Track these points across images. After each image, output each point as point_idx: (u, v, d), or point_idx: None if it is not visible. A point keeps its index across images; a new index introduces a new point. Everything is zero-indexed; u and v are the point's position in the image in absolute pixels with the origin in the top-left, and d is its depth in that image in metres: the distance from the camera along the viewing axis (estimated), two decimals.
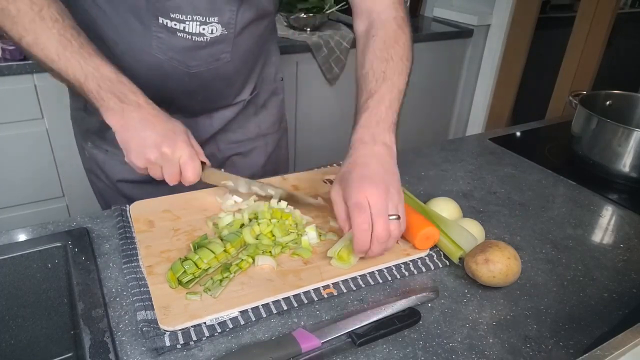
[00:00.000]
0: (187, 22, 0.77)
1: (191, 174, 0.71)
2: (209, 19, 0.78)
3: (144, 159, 0.70)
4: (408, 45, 0.82)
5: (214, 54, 0.83)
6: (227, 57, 0.84)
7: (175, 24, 0.77)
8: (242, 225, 0.74)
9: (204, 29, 0.78)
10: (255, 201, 0.80)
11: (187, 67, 0.82)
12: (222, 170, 0.78)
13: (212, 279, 0.63)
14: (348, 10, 2.21)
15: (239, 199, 0.81)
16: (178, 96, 0.85)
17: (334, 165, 0.97)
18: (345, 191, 0.66)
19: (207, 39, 0.80)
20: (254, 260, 0.67)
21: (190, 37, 0.78)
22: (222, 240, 0.68)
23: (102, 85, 0.68)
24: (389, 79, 0.76)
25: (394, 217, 0.65)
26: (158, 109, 0.72)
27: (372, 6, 0.83)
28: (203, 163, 0.74)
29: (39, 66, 0.72)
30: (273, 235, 0.72)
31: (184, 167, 0.71)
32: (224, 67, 0.85)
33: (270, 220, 0.73)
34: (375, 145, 0.72)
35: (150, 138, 0.69)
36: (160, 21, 0.76)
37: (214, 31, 0.79)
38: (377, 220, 0.64)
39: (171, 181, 0.72)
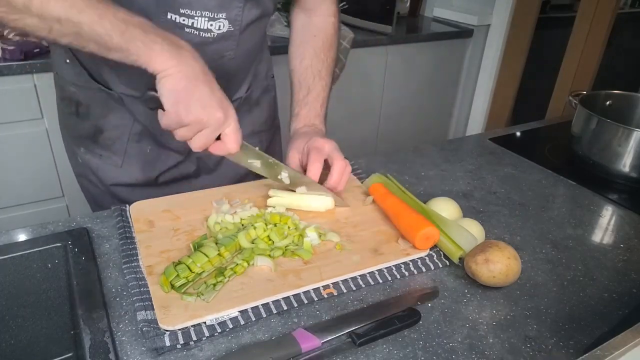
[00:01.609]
0: (196, 18, 0.77)
1: (235, 144, 0.70)
2: (217, 15, 0.78)
3: (193, 116, 0.65)
4: (337, 49, 0.98)
5: (219, 51, 0.83)
6: (231, 55, 0.85)
7: (183, 20, 0.76)
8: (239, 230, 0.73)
9: (211, 24, 0.78)
10: (251, 207, 0.79)
11: None
12: (258, 148, 0.77)
13: (205, 283, 0.63)
14: (347, 11, 2.21)
15: (235, 202, 0.81)
16: None
17: None
18: (306, 144, 0.82)
19: (214, 35, 0.80)
20: (249, 264, 0.67)
21: (198, 32, 0.78)
22: (216, 244, 0.68)
23: (146, 30, 0.62)
24: (323, 79, 0.92)
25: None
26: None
27: (315, 8, 0.95)
28: None
29: (52, 37, 0.61)
30: (270, 240, 0.72)
31: (229, 136, 0.69)
32: (227, 65, 0.86)
33: (266, 225, 0.73)
34: (316, 128, 0.89)
35: (208, 97, 0.65)
36: (169, 17, 0.76)
37: (221, 27, 0.79)
38: (335, 154, 0.80)
39: (200, 147, 0.68)
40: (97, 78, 0.85)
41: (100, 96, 0.86)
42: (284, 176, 0.80)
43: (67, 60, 0.86)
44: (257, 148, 0.77)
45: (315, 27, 0.95)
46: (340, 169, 0.80)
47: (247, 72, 0.96)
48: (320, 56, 0.93)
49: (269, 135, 1.09)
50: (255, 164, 0.78)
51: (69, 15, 0.59)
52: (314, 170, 0.80)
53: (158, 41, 0.63)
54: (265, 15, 0.87)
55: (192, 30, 0.78)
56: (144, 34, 0.62)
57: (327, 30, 0.95)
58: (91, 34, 0.60)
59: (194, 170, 0.97)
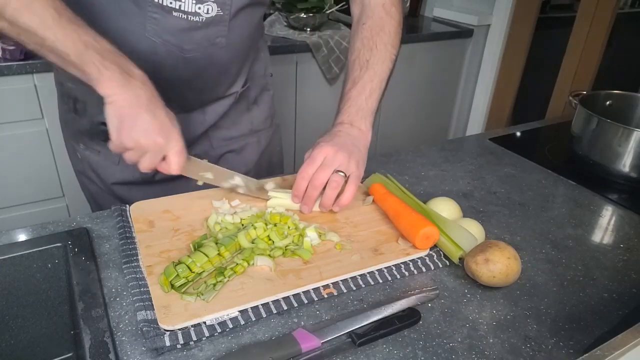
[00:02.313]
0: (184, 1, 0.76)
1: (176, 166, 0.71)
2: None
3: (134, 141, 0.68)
4: (394, 31, 0.88)
5: (209, 37, 0.82)
6: (222, 42, 0.84)
7: (171, 3, 0.76)
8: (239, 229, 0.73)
9: (199, 7, 0.78)
10: (251, 207, 0.79)
11: (182, 50, 0.81)
12: (206, 160, 0.77)
13: (205, 283, 0.63)
14: (348, 10, 2.22)
15: (235, 203, 0.81)
16: (172, 86, 0.84)
17: None
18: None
19: (202, 19, 0.79)
20: (249, 264, 0.67)
21: (185, 16, 0.78)
22: (216, 243, 0.68)
23: (105, 56, 0.66)
24: (371, 68, 0.84)
25: (341, 173, 0.75)
26: (154, 89, 0.71)
27: None
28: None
29: (19, 40, 0.65)
30: (270, 239, 0.72)
31: (171, 159, 0.71)
32: (218, 53, 0.85)
33: (266, 225, 0.73)
34: (351, 128, 0.81)
35: (149, 123, 0.68)
36: (156, 0, 0.75)
37: (210, 11, 0.79)
38: (320, 170, 0.75)
39: (146, 169, 0.71)
40: None
41: (96, 92, 0.86)
42: (237, 180, 0.79)
43: None
44: (205, 160, 0.78)
45: (365, 15, 0.89)
46: (326, 198, 0.76)
47: (242, 65, 0.95)
48: (368, 45, 0.86)
49: (268, 134, 1.09)
50: (207, 176, 0.78)
51: (36, 29, 0.63)
52: (296, 187, 0.77)
53: (111, 68, 0.66)
54: (257, 3, 0.86)
55: (180, 14, 0.77)
56: (101, 59, 0.65)
57: (375, 14, 0.88)
58: (52, 49, 0.64)
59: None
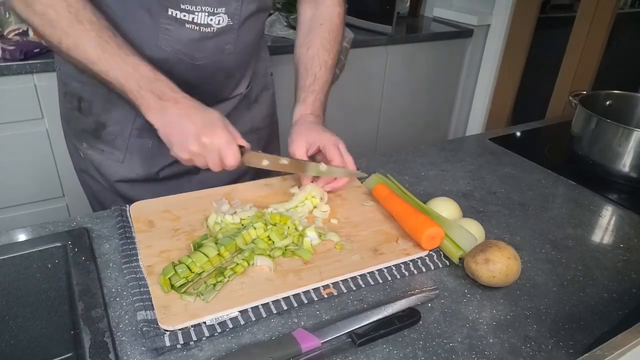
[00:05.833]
0: (197, 13, 0.79)
1: (231, 159, 0.74)
2: (216, 10, 0.80)
3: (187, 151, 0.73)
4: (342, 41, 1.00)
5: (219, 45, 0.84)
6: (231, 49, 0.86)
7: (184, 15, 0.78)
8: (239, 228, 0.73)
9: (211, 19, 0.80)
10: (250, 207, 0.79)
11: (192, 59, 0.83)
12: (259, 151, 0.80)
13: (205, 283, 0.63)
14: (347, 11, 2.22)
15: (236, 202, 0.81)
16: (181, 90, 0.85)
17: None
18: (318, 138, 0.83)
19: (213, 30, 0.81)
20: (249, 264, 0.67)
21: (198, 28, 0.80)
22: (216, 243, 0.68)
23: (141, 85, 0.71)
24: (329, 70, 0.94)
25: None
26: (195, 101, 0.75)
27: None
28: (242, 147, 0.76)
29: (78, 69, 0.73)
30: (270, 240, 0.71)
31: (223, 154, 0.73)
32: (226, 59, 0.87)
33: (266, 225, 0.73)
34: (320, 119, 0.91)
35: (190, 131, 0.72)
36: (170, 12, 0.77)
37: (221, 22, 0.81)
38: (346, 154, 0.83)
39: (215, 168, 0.75)
40: None
41: (103, 91, 0.87)
42: (284, 161, 0.82)
43: None
44: (260, 151, 0.81)
45: (321, 17, 0.95)
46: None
47: (247, 68, 0.97)
48: (326, 46, 0.93)
49: (268, 132, 1.10)
50: (265, 163, 0.80)
51: (86, 64, 0.71)
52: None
53: (146, 96, 0.72)
54: (263, 9, 0.88)
55: (193, 25, 0.79)
56: (139, 89, 0.72)
57: (332, 19, 0.95)
58: (105, 82, 0.72)
59: (193, 166, 0.98)
